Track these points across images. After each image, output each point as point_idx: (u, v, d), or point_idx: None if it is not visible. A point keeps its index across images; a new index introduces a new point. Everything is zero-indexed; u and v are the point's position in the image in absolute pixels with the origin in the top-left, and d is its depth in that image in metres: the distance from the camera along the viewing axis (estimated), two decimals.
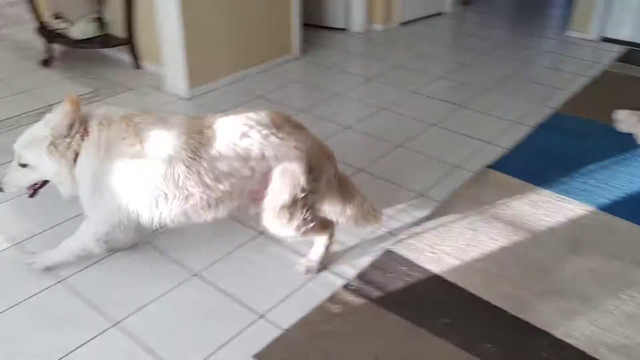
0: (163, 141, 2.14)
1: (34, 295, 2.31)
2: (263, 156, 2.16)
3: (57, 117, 2.16)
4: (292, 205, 2.20)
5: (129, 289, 2.35)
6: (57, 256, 2.40)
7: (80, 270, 2.43)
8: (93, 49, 4.59)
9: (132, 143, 2.14)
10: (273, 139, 2.17)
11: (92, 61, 4.64)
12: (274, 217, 2.23)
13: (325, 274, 2.43)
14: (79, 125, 2.16)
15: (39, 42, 4.69)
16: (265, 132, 2.16)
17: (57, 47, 4.57)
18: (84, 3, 4.33)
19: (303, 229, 2.27)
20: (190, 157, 2.14)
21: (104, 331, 2.15)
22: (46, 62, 4.53)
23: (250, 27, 4.27)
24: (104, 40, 4.49)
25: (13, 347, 2.09)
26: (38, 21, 4.47)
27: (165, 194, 2.16)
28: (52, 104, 3.80)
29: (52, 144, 2.15)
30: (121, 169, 2.16)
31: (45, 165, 2.19)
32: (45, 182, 2.32)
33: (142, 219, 2.25)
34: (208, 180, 2.15)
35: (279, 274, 2.44)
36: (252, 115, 2.21)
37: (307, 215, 2.24)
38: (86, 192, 2.24)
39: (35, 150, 2.18)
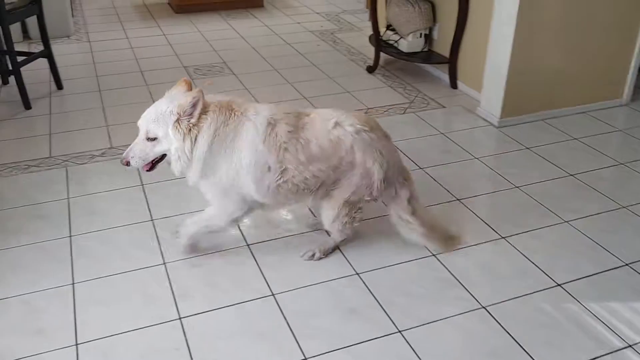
0: (267, 116, 2.34)
1: (333, 279, 2.52)
2: (352, 148, 2.35)
3: (183, 97, 2.27)
4: (353, 204, 2.46)
5: (417, 300, 2.40)
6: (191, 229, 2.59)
7: (376, 269, 2.57)
8: (415, 62, 4.82)
9: (243, 123, 2.32)
10: (364, 135, 2.36)
11: (411, 73, 4.88)
12: (334, 207, 2.45)
13: (628, 351, 2.16)
14: (202, 107, 2.26)
15: (366, 49, 5.10)
16: (358, 126, 2.36)
17: (382, 56, 4.92)
18: (418, 19, 4.56)
19: (348, 226, 2.51)
20: (290, 132, 2.32)
21: (388, 334, 2.23)
22: (370, 69, 4.91)
23: (582, 66, 4.00)
24: (427, 56, 4.70)
25: (306, 320, 2.30)
26: (374, 30, 4.85)
27: (269, 166, 2.32)
28: (371, 108, 4.18)
29: (178, 121, 2.25)
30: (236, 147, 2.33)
31: (169, 140, 2.29)
32: (162, 158, 2.39)
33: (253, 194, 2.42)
34: (302, 158, 2.32)
35: (572, 337, 2.23)
36: (347, 113, 2.42)
37: (356, 215, 2.51)
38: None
39: (163, 125, 2.27)
